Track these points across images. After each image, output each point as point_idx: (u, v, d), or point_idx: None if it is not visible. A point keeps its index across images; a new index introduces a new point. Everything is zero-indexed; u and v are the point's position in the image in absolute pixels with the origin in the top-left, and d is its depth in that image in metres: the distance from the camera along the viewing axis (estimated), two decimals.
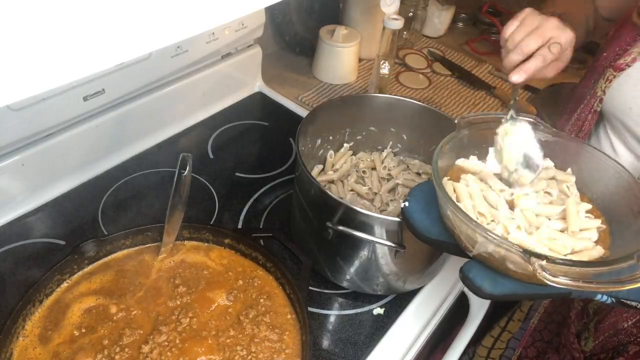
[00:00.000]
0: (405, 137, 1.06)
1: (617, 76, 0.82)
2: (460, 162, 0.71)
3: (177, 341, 0.68)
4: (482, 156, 0.72)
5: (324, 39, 1.37)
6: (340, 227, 0.77)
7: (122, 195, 1.00)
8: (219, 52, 1.17)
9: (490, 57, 1.61)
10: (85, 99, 0.93)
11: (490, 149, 0.71)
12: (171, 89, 1.10)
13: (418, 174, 1.03)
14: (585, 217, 0.64)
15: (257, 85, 1.33)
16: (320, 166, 1.03)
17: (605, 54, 0.87)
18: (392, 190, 1.01)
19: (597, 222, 0.63)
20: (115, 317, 0.71)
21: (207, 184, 1.05)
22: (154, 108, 1.09)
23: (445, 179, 0.68)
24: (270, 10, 1.36)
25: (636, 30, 0.82)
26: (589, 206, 0.65)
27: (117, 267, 0.77)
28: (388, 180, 1.02)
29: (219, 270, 0.78)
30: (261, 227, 0.98)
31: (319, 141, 1.00)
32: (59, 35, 0.29)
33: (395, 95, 1.00)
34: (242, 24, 1.16)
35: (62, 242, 0.90)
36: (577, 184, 0.69)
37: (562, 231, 0.62)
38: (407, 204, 0.69)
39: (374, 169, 1.04)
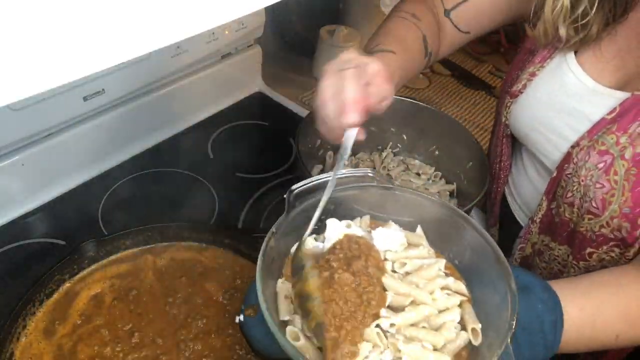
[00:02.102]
0: (405, 137, 1.06)
1: (513, 102, 0.82)
2: (295, 248, 0.58)
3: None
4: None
5: (324, 39, 1.37)
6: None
7: (122, 195, 1.00)
8: (219, 52, 1.17)
9: (490, 57, 1.61)
10: (85, 99, 0.93)
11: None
12: (171, 89, 1.10)
13: (417, 174, 1.04)
14: (445, 292, 0.55)
15: (257, 85, 1.33)
16: (320, 166, 1.03)
17: (505, 77, 0.87)
18: None
19: (457, 299, 0.55)
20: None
21: (207, 184, 1.05)
22: (154, 108, 1.09)
23: (279, 282, 0.56)
24: (270, 10, 1.36)
25: (526, 53, 0.81)
26: (442, 261, 0.58)
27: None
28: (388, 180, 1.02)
29: (213, 266, 0.79)
30: (261, 227, 0.97)
31: (319, 141, 1.00)
32: (59, 35, 0.29)
33: (395, 95, 1.00)
34: (242, 24, 1.16)
35: (62, 242, 0.90)
36: (431, 242, 0.60)
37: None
38: (241, 317, 0.60)
39: (373, 169, 1.04)
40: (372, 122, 1.03)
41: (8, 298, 0.78)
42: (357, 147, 1.06)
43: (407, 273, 0.56)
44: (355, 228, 0.59)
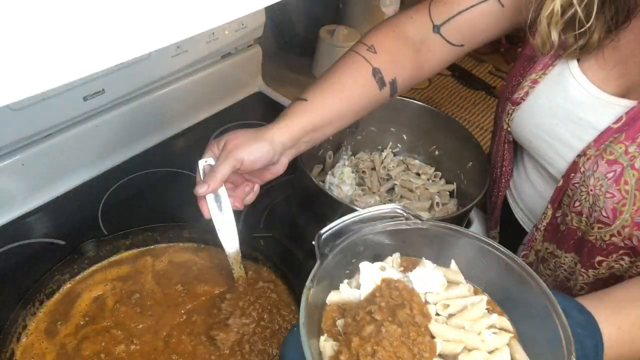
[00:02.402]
0: (405, 137, 1.06)
1: (515, 110, 0.81)
2: (332, 297, 0.55)
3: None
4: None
5: (324, 39, 1.37)
6: None
7: (122, 195, 1.00)
8: (219, 52, 1.17)
9: (490, 57, 1.61)
10: (85, 99, 0.93)
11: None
12: (171, 89, 1.10)
13: (417, 174, 1.04)
14: (491, 331, 0.52)
15: (257, 85, 1.33)
16: (320, 166, 1.03)
17: (505, 84, 0.85)
18: (391, 190, 1.01)
19: (506, 337, 0.53)
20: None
21: None
22: (154, 108, 1.09)
23: (322, 340, 0.52)
24: (270, 10, 1.36)
25: (527, 60, 0.80)
26: (485, 297, 0.56)
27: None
28: (387, 180, 1.02)
29: (209, 266, 0.79)
30: (261, 227, 0.97)
31: None
32: (59, 35, 0.29)
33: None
34: (242, 24, 1.16)
35: (62, 242, 0.90)
36: (465, 275, 0.59)
37: None
38: None
39: (373, 169, 1.04)
40: (372, 122, 1.04)
41: (8, 298, 0.78)
42: (357, 147, 1.07)
43: (451, 315, 0.53)
44: (391, 270, 0.55)
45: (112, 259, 0.78)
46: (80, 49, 0.30)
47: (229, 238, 0.72)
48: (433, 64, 0.84)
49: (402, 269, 0.58)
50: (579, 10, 0.66)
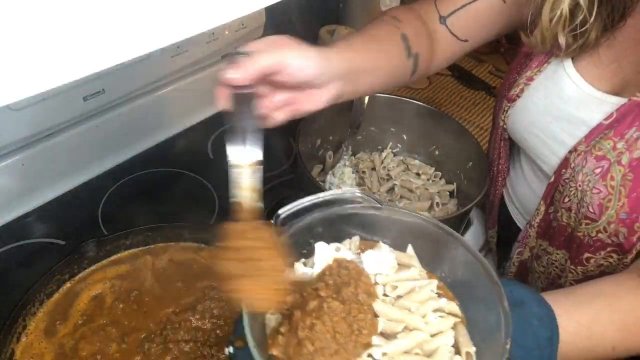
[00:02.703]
0: (405, 137, 1.06)
1: (511, 107, 0.81)
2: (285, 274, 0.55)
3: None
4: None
5: (324, 39, 1.37)
6: None
7: (122, 195, 1.00)
8: (219, 52, 1.17)
9: (490, 57, 1.61)
10: (85, 99, 0.93)
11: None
12: (171, 89, 1.10)
13: (417, 174, 1.04)
14: (438, 314, 0.53)
15: None
16: (320, 166, 1.03)
17: (503, 81, 0.86)
18: (390, 190, 1.01)
19: (451, 321, 0.54)
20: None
21: (207, 184, 1.05)
22: (154, 108, 1.09)
23: (268, 314, 0.54)
24: (270, 10, 1.36)
25: (523, 57, 0.81)
26: (434, 281, 0.57)
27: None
28: (387, 180, 1.02)
29: (209, 264, 0.79)
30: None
31: (319, 141, 1.00)
32: (59, 35, 0.29)
33: (395, 95, 1.00)
34: (242, 24, 1.16)
35: (62, 242, 0.90)
36: (422, 261, 0.60)
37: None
38: (231, 349, 0.57)
39: (373, 169, 1.04)
40: (372, 122, 1.04)
41: (8, 298, 0.78)
42: (357, 147, 1.07)
43: (399, 296, 0.55)
44: (345, 251, 0.57)
45: (112, 258, 0.78)
46: (80, 49, 0.31)
47: (247, 147, 0.55)
48: (440, 56, 0.84)
49: (359, 251, 0.59)
50: (587, 13, 0.66)
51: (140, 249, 0.80)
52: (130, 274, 0.76)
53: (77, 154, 0.99)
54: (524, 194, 0.88)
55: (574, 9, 0.67)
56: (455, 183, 1.01)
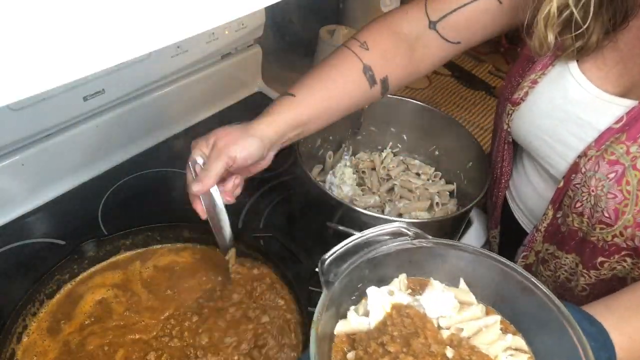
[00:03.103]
0: (405, 137, 1.06)
1: (515, 110, 0.80)
2: (340, 327, 0.52)
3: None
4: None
5: (324, 39, 1.37)
6: (341, 227, 0.77)
7: (122, 195, 1.00)
8: (219, 52, 1.17)
9: (490, 57, 1.61)
10: (85, 99, 0.93)
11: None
12: (171, 89, 1.10)
13: (417, 174, 1.04)
14: (507, 353, 0.50)
15: (257, 85, 1.33)
16: (320, 166, 1.03)
17: (505, 84, 0.85)
18: (390, 190, 1.01)
19: (524, 359, 0.51)
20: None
21: None
22: (154, 108, 1.09)
23: None
24: (270, 10, 1.36)
25: (525, 60, 0.80)
26: (498, 318, 0.53)
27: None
28: (387, 180, 1.02)
29: (190, 262, 0.80)
30: (261, 227, 0.97)
31: (319, 141, 1.00)
32: (59, 35, 0.29)
33: (395, 95, 1.00)
34: (242, 24, 1.16)
35: (62, 242, 0.90)
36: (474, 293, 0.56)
37: None
38: None
39: (373, 169, 1.04)
40: (372, 122, 1.04)
41: (8, 298, 0.78)
42: (357, 147, 1.07)
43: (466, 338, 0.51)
44: (400, 294, 0.53)
45: (111, 260, 0.78)
46: (80, 49, 0.30)
47: (225, 235, 0.72)
48: (428, 61, 0.83)
49: (410, 291, 0.55)
50: (575, 12, 0.66)
51: (136, 251, 0.80)
52: (124, 284, 0.76)
53: (77, 154, 0.99)
54: (528, 196, 0.88)
55: (563, 8, 0.67)
56: (455, 183, 1.01)
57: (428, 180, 1.03)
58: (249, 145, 0.69)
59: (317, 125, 0.77)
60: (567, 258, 0.78)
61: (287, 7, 1.39)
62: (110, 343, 0.68)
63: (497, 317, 0.53)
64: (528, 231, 0.88)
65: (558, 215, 0.77)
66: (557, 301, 0.51)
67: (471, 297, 0.55)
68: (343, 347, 0.51)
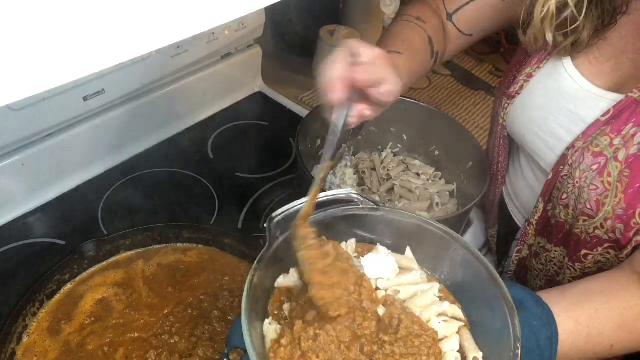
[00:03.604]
0: (405, 137, 1.06)
1: (510, 104, 0.82)
2: (281, 281, 0.55)
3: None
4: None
5: (324, 39, 1.36)
6: None
7: (122, 195, 1.00)
8: (219, 52, 1.17)
9: (490, 57, 1.61)
10: (85, 99, 0.93)
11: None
12: (171, 89, 1.10)
13: (417, 174, 1.04)
14: (441, 319, 0.53)
15: (257, 85, 1.33)
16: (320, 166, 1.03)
17: (502, 79, 0.87)
18: (390, 190, 1.01)
19: (456, 326, 0.53)
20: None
21: (207, 184, 1.05)
22: (154, 108, 1.09)
23: (267, 323, 0.52)
24: (270, 10, 1.36)
25: (522, 55, 0.82)
26: (436, 285, 0.56)
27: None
28: (387, 180, 1.02)
29: (196, 261, 0.80)
30: (261, 227, 0.97)
31: (319, 141, 1.00)
32: (59, 35, 0.29)
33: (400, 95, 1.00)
34: (242, 24, 1.16)
35: (62, 242, 0.90)
36: (421, 262, 0.59)
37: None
38: None
39: (373, 169, 1.04)
40: (372, 122, 1.03)
41: (8, 298, 0.78)
42: (357, 147, 1.06)
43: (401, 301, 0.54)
44: None
45: (111, 260, 0.78)
46: (80, 49, 0.31)
47: (332, 147, 0.60)
48: (448, 51, 0.88)
49: (356, 254, 0.57)
50: (573, 9, 0.67)
51: (137, 251, 0.80)
52: (125, 282, 0.76)
53: (77, 154, 0.99)
54: (523, 192, 0.88)
55: (562, 7, 0.68)
56: (455, 183, 1.01)
57: (428, 180, 1.03)
58: (396, 82, 0.61)
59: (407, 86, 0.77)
60: (556, 251, 0.79)
61: (287, 7, 1.39)
62: (110, 342, 0.68)
63: (435, 284, 0.55)
64: (521, 226, 0.88)
65: (548, 208, 0.78)
66: (496, 276, 0.52)
67: (414, 265, 0.57)
68: (281, 299, 0.53)
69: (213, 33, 1.10)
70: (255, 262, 0.51)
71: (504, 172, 0.91)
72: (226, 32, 1.13)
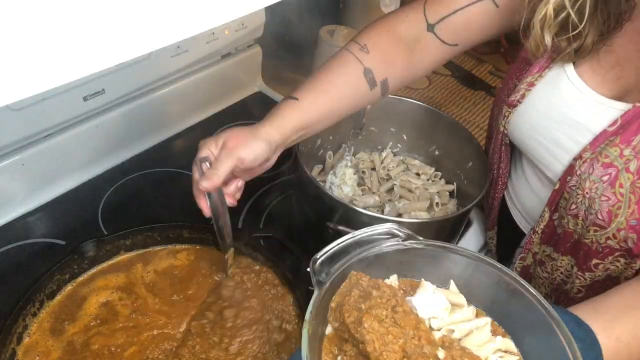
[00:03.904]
0: (405, 137, 1.06)
1: (511, 112, 0.81)
2: (329, 330, 0.52)
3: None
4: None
5: (324, 39, 1.37)
6: (340, 227, 0.77)
7: (122, 195, 1.00)
8: (219, 52, 1.17)
9: (490, 57, 1.61)
10: (85, 99, 0.93)
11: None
12: (171, 89, 1.10)
13: (417, 174, 1.04)
14: (497, 355, 0.51)
15: (257, 85, 1.33)
16: (320, 166, 1.03)
17: (502, 86, 0.85)
18: (390, 190, 1.01)
19: (513, 359, 0.51)
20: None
21: None
22: (154, 108, 1.09)
23: None
24: (270, 10, 1.36)
25: (522, 62, 0.80)
26: (489, 320, 0.54)
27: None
28: (387, 180, 1.02)
29: (186, 264, 0.80)
30: (261, 227, 0.97)
31: (319, 141, 1.00)
32: (59, 35, 0.29)
33: (395, 95, 1.00)
34: (242, 24, 1.16)
35: (62, 242, 0.90)
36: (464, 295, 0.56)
37: None
38: None
39: (373, 169, 1.04)
40: (372, 122, 1.04)
41: (8, 298, 0.78)
42: (357, 147, 1.07)
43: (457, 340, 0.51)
44: None
45: (111, 261, 0.78)
46: (80, 49, 0.30)
47: (226, 235, 0.73)
48: (427, 63, 0.84)
49: (401, 292, 0.55)
50: (572, 14, 0.66)
51: (137, 252, 0.80)
52: (128, 287, 0.76)
53: (77, 154, 0.99)
54: (526, 198, 0.88)
55: (560, 9, 0.67)
56: (455, 183, 1.01)
57: (428, 180, 1.03)
58: (256, 148, 0.70)
59: (320, 127, 0.79)
60: (562, 260, 0.78)
61: (287, 7, 1.39)
62: (122, 343, 0.68)
63: (488, 319, 0.54)
64: (525, 232, 0.88)
65: (554, 217, 0.77)
66: (545, 303, 0.51)
67: (462, 299, 0.55)
68: (332, 350, 0.50)
69: (213, 33, 1.10)
70: (308, 313, 0.49)
71: (504, 177, 0.91)
72: (226, 32, 1.13)
